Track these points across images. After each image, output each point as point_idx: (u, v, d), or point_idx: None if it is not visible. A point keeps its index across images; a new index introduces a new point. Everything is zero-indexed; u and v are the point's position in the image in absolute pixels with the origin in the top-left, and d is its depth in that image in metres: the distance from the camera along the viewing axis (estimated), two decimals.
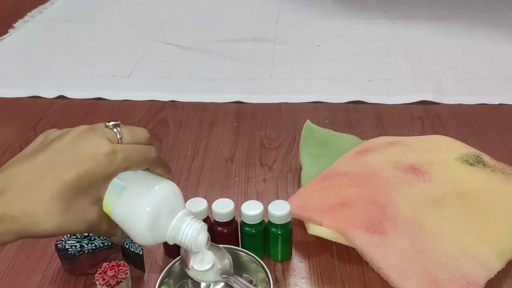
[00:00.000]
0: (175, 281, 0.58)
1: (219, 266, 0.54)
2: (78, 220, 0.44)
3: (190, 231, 0.48)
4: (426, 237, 0.64)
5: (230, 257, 0.54)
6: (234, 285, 0.53)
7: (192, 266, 0.54)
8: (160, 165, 0.49)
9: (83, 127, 0.45)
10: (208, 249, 0.51)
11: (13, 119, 1.03)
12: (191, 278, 0.54)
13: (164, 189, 0.48)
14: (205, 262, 0.54)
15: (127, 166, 0.45)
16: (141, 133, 0.49)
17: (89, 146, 0.44)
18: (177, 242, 0.49)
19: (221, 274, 0.54)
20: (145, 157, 0.47)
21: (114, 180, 0.46)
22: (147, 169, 0.49)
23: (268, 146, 0.92)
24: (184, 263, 0.54)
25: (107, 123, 0.47)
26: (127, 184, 0.46)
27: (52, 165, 0.43)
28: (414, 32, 1.40)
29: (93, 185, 0.44)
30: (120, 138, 0.46)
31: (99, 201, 0.46)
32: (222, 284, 0.58)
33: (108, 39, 1.42)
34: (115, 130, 0.46)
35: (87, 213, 0.45)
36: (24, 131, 0.99)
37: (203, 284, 0.59)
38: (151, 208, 0.46)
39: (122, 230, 0.49)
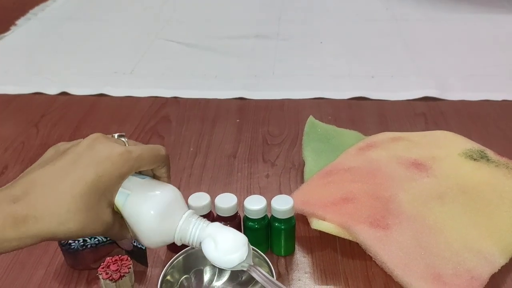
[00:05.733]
0: (178, 275, 0.58)
1: None
2: (97, 220, 0.48)
3: (197, 232, 0.51)
4: (430, 232, 0.64)
5: (250, 246, 0.53)
6: (253, 273, 0.52)
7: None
8: (167, 164, 0.53)
9: (95, 135, 0.49)
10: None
11: (16, 116, 1.03)
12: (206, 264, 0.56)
13: (166, 193, 0.51)
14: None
15: (140, 165, 0.50)
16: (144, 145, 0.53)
17: (104, 148, 0.48)
18: (185, 243, 0.51)
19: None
20: (156, 154, 0.51)
21: (120, 189, 0.50)
22: (148, 176, 0.53)
23: (270, 142, 0.92)
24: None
25: (113, 134, 0.52)
26: (131, 192, 0.50)
27: (73, 167, 0.47)
28: (416, 28, 1.40)
29: (109, 186, 0.48)
30: (127, 142, 0.52)
31: (112, 204, 0.50)
32: (228, 273, 0.59)
33: (110, 36, 1.42)
34: (122, 139, 0.52)
35: (104, 214, 0.49)
36: (27, 128, 0.99)
37: (206, 277, 0.59)
38: (154, 211, 0.49)
39: (131, 234, 0.52)
